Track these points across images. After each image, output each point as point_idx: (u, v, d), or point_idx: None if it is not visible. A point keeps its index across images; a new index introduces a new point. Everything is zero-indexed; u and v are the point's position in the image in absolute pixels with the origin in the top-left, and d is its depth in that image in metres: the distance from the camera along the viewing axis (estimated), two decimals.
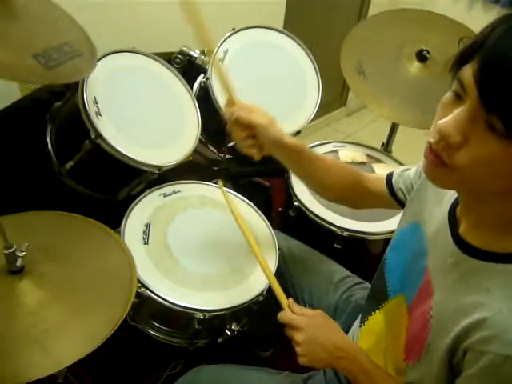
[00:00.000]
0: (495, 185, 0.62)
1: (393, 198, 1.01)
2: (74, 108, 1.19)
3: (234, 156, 1.68)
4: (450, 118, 0.60)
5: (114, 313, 0.80)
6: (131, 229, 1.15)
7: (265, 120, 1.00)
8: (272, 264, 1.18)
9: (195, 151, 1.40)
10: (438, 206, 0.82)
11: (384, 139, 1.89)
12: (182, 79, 1.40)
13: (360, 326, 1.00)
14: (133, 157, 1.17)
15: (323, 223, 1.39)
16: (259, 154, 1.04)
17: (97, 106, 1.16)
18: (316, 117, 1.58)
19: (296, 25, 2.17)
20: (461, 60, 0.60)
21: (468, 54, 0.59)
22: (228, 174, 1.64)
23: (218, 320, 1.11)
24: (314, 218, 1.41)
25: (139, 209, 1.21)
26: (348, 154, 1.66)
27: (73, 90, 1.23)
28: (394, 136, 1.86)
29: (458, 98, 0.60)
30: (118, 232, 1.12)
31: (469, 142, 0.59)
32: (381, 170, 1.62)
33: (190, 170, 1.47)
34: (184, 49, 1.49)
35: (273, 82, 1.54)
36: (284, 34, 1.58)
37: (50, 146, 1.29)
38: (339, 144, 1.72)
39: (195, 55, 1.49)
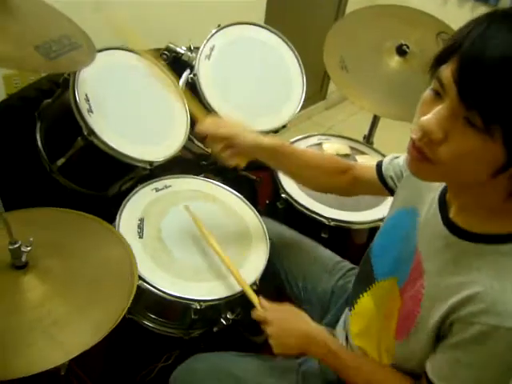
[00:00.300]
0: (476, 176, 0.65)
1: (383, 185, 1.05)
2: (64, 105, 1.20)
3: None
4: (431, 116, 0.63)
5: (117, 305, 0.83)
6: (126, 224, 1.17)
7: (234, 129, 1.05)
8: (263, 254, 1.22)
9: (183, 146, 1.42)
10: (428, 192, 0.86)
11: (363, 132, 1.95)
12: (171, 76, 1.42)
13: (350, 310, 1.04)
14: (126, 153, 1.19)
15: (311, 214, 1.43)
16: (243, 162, 1.10)
17: (88, 104, 1.17)
18: (298, 111, 1.62)
19: (276, 21, 2.20)
20: (439, 60, 0.63)
21: (446, 54, 0.62)
22: (216, 168, 1.67)
23: (213, 309, 1.14)
24: (302, 209, 1.45)
25: (132, 204, 1.23)
26: (332, 147, 1.71)
27: (62, 87, 1.24)
28: (375, 128, 1.91)
29: (438, 95, 0.64)
30: (113, 227, 1.14)
31: (450, 138, 0.62)
32: (364, 161, 1.67)
33: (178, 165, 1.49)
34: (170, 45, 1.51)
35: (258, 77, 1.57)
36: (268, 30, 1.61)
37: (39, 144, 1.29)
38: (323, 137, 1.76)
39: (182, 51, 1.51)
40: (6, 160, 1.32)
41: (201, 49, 1.47)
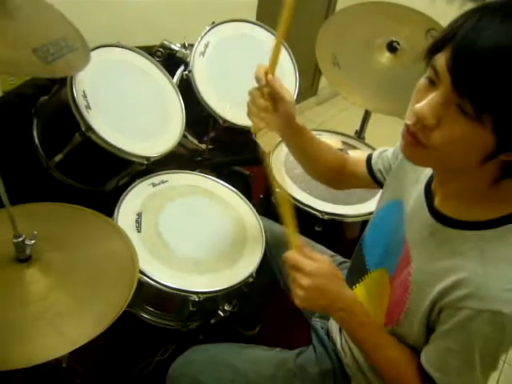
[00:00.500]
0: (466, 161, 0.68)
1: (372, 178, 1.08)
2: (61, 102, 1.21)
3: (215, 146, 1.73)
4: (425, 102, 0.66)
5: (119, 296, 0.85)
6: (124, 218, 1.19)
7: (290, 98, 1.02)
8: (259, 246, 1.24)
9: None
10: (414, 183, 0.89)
11: (354, 127, 1.98)
12: (166, 72, 1.44)
13: None
14: (123, 148, 1.20)
15: (305, 207, 1.46)
16: (264, 126, 1.03)
17: (86, 100, 1.18)
18: None
19: (267, 18, 2.22)
20: (434, 49, 0.66)
21: (441, 44, 0.64)
22: (210, 163, 1.69)
23: (211, 301, 1.16)
24: (296, 202, 1.47)
25: (130, 199, 1.25)
26: (325, 142, 1.73)
27: (59, 84, 1.25)
28: (366, 123, 1.94)
29: (432, 83, 0.66)
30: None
31: (442, 124, 0.65)
32: (357, 155, 1.70)
33: (173, 160, 1.50)
34: (165, 42, 1.52)
35: (252, 73, 1.59)
36: (261, 26, 1.63)
37: (36, 141, 1.30)
38: (316, 132, 1.79)
39: (176, 48, 1.53)
40: (3, 157, 1.33)
41: (195, 46, 1.48)
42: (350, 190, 1.24)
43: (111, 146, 1.19)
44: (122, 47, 1.35)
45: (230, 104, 1.50)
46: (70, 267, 0.87)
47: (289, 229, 0.90)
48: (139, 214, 1.22)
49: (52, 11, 0.99)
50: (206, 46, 1.50)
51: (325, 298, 0.85)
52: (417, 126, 0.67)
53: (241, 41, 1.58)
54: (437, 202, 0.80)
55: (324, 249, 1.32)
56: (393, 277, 0.88)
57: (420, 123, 0.67)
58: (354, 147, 1.78)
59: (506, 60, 0.57)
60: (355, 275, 1.03)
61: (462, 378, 0.74)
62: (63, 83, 1.20)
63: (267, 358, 1.07)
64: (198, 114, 1.49)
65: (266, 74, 1.03)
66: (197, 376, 1.02)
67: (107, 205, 1.26)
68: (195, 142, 1.66)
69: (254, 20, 1.64)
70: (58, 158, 1.26)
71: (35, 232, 0.81)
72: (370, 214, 1.46)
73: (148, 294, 1.15)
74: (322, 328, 1.13)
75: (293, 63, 1.65)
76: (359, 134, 1.96)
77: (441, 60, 0.64)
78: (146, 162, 1.28)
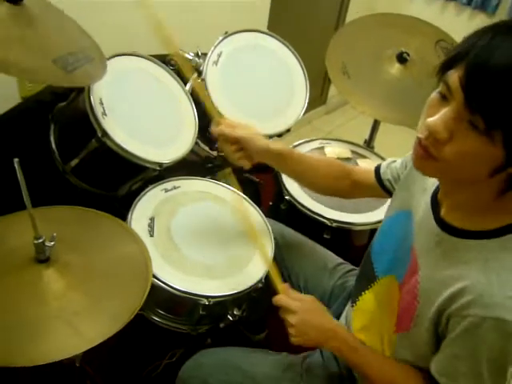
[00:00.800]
0: (475, 174, 0.71)
1: (381, 188, 1.11)
2: (78, 108, 1.24)
3: None
4: (437, 117, 0.68)
5: (133, 298, 0.87)
6: (137, 222, 1.22)
7: (248, 134, 1.10)
8: (268, 252, 1.26)
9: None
10: (422, 193, 0.91)
11: (362, 136, 2.00)
12: (180, 80, 1.47)
13: (352, 306, 1.09)
14: (137, 154, 1.23)
15: (313, 215, 1.48)
16: (249, 164, 1.14)
17: (102, 107, 1.21)
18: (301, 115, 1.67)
19: (278, 28, 2.26)
20: (447, 65, 0.69)
21: (454, 61, 0.67)
22: (221, 170, 1.72)
23: (220, 306, 1.18)
24: (305, 210, 1.50)
25: (143, 204, 1.28)
26: (334, 150, 1.76)
27: (76, 91, 1.29)
28: (375, 133, 1.96)
29: (444, 98, 0.69)
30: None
31: (454, 138, 0.68)
32: (365, 165, 1.72)
33: (185, 167, 1.53)
34: (179, 51, 1.56)
35: (264, 82, 1.62)
36: (273, 37, 1.66)
37: (53, 145, 1.34)
38: (325, 141, 1.81)
39: (190, 57, 1.56)
40: (21, 161, 1.36)
41: (208, 55, 1.52)
42: (359, 199, 1.26)
43: (126, 151, 1.22)
44: (138, 56, 1.39)
45: (242, 112, 1.53)
46: (87, 269, 0.89)
47: (273, 276, 1.05)
48: (152, 219, 1.25)
49: (70, 23, 1.03)
50: (219, 55, 1.54)
51: (314, 330, 0.95)
52: (429, 139, 0.70)
53: (253, 50, 1.61)
54: (443, 212, 0.82)
55: (333, 255, 1.34)
56: (402, 284, 0.90)
57: (432, 137, 0.69)
58: (363, 156, 1.80)
59: None
60: (364, 282, 1.05)
61: None
62: (81, 90, 1.24)
63: (275, 361, 1.09)
64: (210, 122, 1.52)
65: (217, 125, 1.13)
66: (206, 379, 1.04)
67: (120, 209, 1.29)
68: (207, 149, 1.68)
69: (265, 30, 1.68)
70: (74, 162, 1.29)
71: (54, 234, 0.84)
72: (379, 222, 1.48)
73: (159, 297, 1.17)
74: None
75: (303, 72, 1.68)
76: (368, 143, 1.98)
77: (454, 77, 0.66)
78: (158, 168, 1.31)
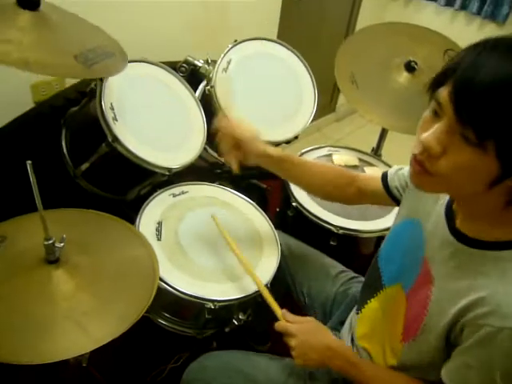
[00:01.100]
0: (472, 187, 0.71)
1: (389, 195, 1.11)
2: (90, 113, 1.27)
3: None
4: (430, 132, 0.70)
5: (140, 299, 0.89)
6: (145, 226, 1.23)
7: (248, 135, 1.11)
8: (274, 258, 1.27)
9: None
10: (433, 202, 0.91)
11: (371, 144, 2.01)
12: (189, 87, 1.49)
13: (357, 313, 1.09)
14: (147, 159, 1.25)
15: (320, 222, 1.49)
16: (237, 168, 1.15)
17: (113, 112, 1.24)
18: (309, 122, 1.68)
19: (288, 37, 2.28)
20: (437, 83, 0.71)
21: (443, 78, 0.69)
22: (229, 176, 1.74)
23: (226, 310, 1.19)
24: (312, 217, 1.50)
25: (151, 208, 1.30)
26: (341, 158, 1.77)
27: (88, 96, 1.32)
28: (383, 141, 1.97)
29: (436, 115, 0.70)
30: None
31: (447, 152, 0.69)
32: (372, 172, 1.73)
33: (193, 172, 1.55)
34: (189, 58, 1.59)
35: (272, 90, 1.64)
36: (282, 45, 1.68)
37: (64, 149, 1.36)
38: (333, 148, 1.83)
39: (199, 64, 1.59)
40: (33, 164, 1.39)
41: (218, 62, 1.54)
42: (365, 205, 1.27)
43: (135, 156, 1.24)
44: (148, 62, 1.42)
45: (251, 119, 1.54)
46: (96, 270, 0.91)
47: (272, 305, 1.07)
48: (160, 223, 1.27)
49: (87, 24, 1.06)
50: (229, 62, 1.56)
51: (314, 351, 0.97)
52: (423, 155, 0.71)
53: (262, 58, 1.64)
54: (458, 222, 0.83)
55: (336, 263, 1.35)
56: (409, 293, 0.90)
57: (426, 152, 0.70)
58: (371, 164, 1.81)
59: (503, 93, 0.62)
60: (370, 290, 1.05)
61: None
62: (92, 96, 1.27)
63: (278, 366, 1.10)
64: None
65: (221, 121, 1.14)
66: (209, 382, 1.05)
67: (128, 213, 1.31)
68: (215, 155, 1.70)
69: (275, 38, 1.70)
70: (84, 166, 1.32)
71: (64, 235, 0.86)
72: (386, 230, 1.49)
73: (166, 300, 1.18)
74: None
75: (312, 80, 1.70)
76: (376, 151, 1.99)
77: (444, 93, 0.68)
78: (167, 173, 1.33)
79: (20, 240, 0.93)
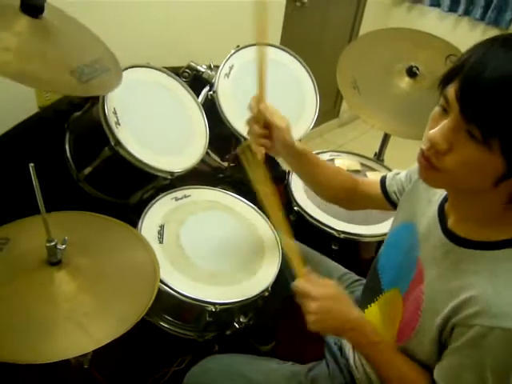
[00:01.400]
0: (478, 183, 0.72)
1: (387, 200, 1.12)
2: (93, 118, 1.28)
3: (237, 164, 1.79)
4: (437, 129, 0.71)
5: (141, 301, 0.90)
6: (147, 229, 1.24)
7: (283, 124, 1.07)
8: (276, 261, 1.28)
9: (201, 160, 1.50)
10: (427, 204, 0.92)
11: (373, 150, 2.01)
12: (192, 92, 1.51)
13: None
14: (149, 163, 1.26)
15: (322, 226, 1.50)
16: (263, 154, 1.09)
17: (116, 116, 1.25)
18: (311, 127, 1.68)
19: (291, 42, 2.30)
20: (446, 80, 0.72)
21: (451, 75, 0.70)
22: (231, 180, 1.74)
23: (227, 313, 1.20)
24: (313, 221, 1.51)
25: (153, 211, 1.31)
26: (344, 163, 1.78)
27: (91, 101, 1.33)
28: (385, 146, 1.97)
29: (444, 111, 0.72)
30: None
31: (454, 149, 0.70)
32: (373, 177, 1.73)
33: (196, 176, 1.56)
34: (192, 64, 1.60)
35: (275, 95, 1.63)
36: (284, 50, 1.69)
37: (68, 153, 1.38)
38: (336, 153, 1.83)
39: (202, 70, 1.60)
40: (36, 168, 1.41)
41: (220, 67, 1.55)
42: (368, 210, 1.27)
43: (138, 160, 1.25)
44: (151, 68, 1.43)
45: None
46: (97, 272, 0.92)
47: (294, 260, 0.98)
48: (162, 226, 1.28)
49: (88, 34, 1.07)
50: (231, 68, 1.57)
51: (334, 320, 0.90)
52: (430, 150, 0.72)
53: None
54: (450, 222, 0.83)
55: (339, 266, 1.35)
56: (405, 296, 0.91)
57: (433, 148, 0.71)
58: (373, 169, 1.82)
59: (509, 90, 0.62)
60: (370, 295, 1.06)
61: None
62: (95, 100, 1.28)
63: (280, 370, 1.10)
64: (221, 133, 1.55)
65: (258, 103, 1.08)
66: None
67: (130, 216, 1.32)
68: (217, 159, 1.71)
69: (277, 44, 1.71)
70: (88, 170, 1.33)
71: (66, 237, 0.87)
72: (387, 234, 1.49)
73: (167, 303, 1.19)
74: (335, 344, 1.15)
75: (314, 86, 1.71)
76: (378, 156, 1.99)
77: (451, 90, 0.69)
78: (169, 177, 1.34)
79: (23, 242, 0.94)
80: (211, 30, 1.98)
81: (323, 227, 1.49)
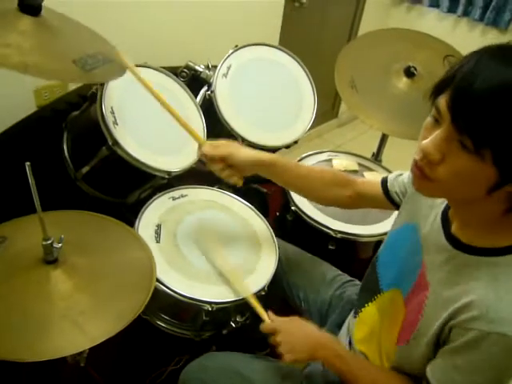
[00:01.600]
0: (472, 192, 0.73)
1: (388, 200, 1.12)
2: (91, 117, 1.29)
3: None
4: (430, 139, 0.71)
5: (137, 299, 0.90)
6: (144, 229, 1.25)
7: (231, 149, 1.12)
8: (272, 261, 1.28)
9: (199, 160, 1.50)
10: (430, 208, 0.93)
11: (372, 150, 2.02)
12: (190, 92, 1.51)
13: (354, 317, 1.10)
14: (146, 162, 1.27)
15: (319, 226, 1.50)
16: (240, 180, 1.17)
17: (113, 116, 1.25)
18: (309, 128, 1.69)
19: (290, 42, 2.30)
20: (437, 90, 0.72)
21: (443, 85, 0.70)
22: None
23: (223, 312, 1.20)
24: (310, 221, 1.51)
25: (150, 211, 1.31)
26: (341, 163, 1.78)
27: (89, 100, 1.34)
28: (383, 146, 1.98)
29: (436, 122, 0.72)
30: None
31: (446, 159, 0.70)
32: (371, 177, 1.73)
33: (193, 176, 1.56)
34: (190, 63, 1.61)
35: (272, 95, 1.66)
36: (282, 50, 1.70)
37: (66, 153, 1.38)
38: (333, 153, 1.84)
39: (200, 70, 1.60)
40: (34, 167, 1.41)
41: (218, 67, 1.56)
42: (366, 210, 1.28)
43: (135, 159, 1.25)
44: (149, 67, 1.43)
45: (250, 124, 1.56)
46: (93, 271, 0.92)
47: (257, 308, 1.09)
48: (159, 226, 1.28)
49: (88, 30, 1.08)
50: (229, 68, 1.58)
51: (301, 342, 0.98)
52: (423, 161, 0.73)
53: (262, 64, 1.65)
54: (454, 228, 0.84)
55: (332, 267, 1.37)
56: (407, 298, 0.91)
57: (426, 158, 0.72)
58: (370, 169, 1.82)
59: (500, 100, 0.63)
60: (368, 294, 1.06)
61: None
62: (93, 100, 1.29)
63: (275, 368, 1.10)
64: (218, 133, 1.56)
65: (200, 148, 1.16)
66: (207, 382, 1.06)
67: (127, 215, 1.32)
68: None
69: (275, 44, 1.71)
70: (85, 170, 1.33)
71: (62, 236, 0.88)
72: (384, 234, 1.49)
73: (164, 302, 1.19)
74: None
75: (312, 86, 1.71)
76: (376, 157, 2.00)
77: (442, 101, 0.69)
78: (167, 177, 1.35)
79: (19, 240, 0.94)
80: (209, 29, 1.99)
81: (320, 227, 1.50)
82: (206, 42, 1.96)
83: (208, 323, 1.22)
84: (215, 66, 1.58)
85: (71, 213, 1.06)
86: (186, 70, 1.60)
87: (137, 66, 1.40)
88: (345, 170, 1.75)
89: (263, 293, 1.22)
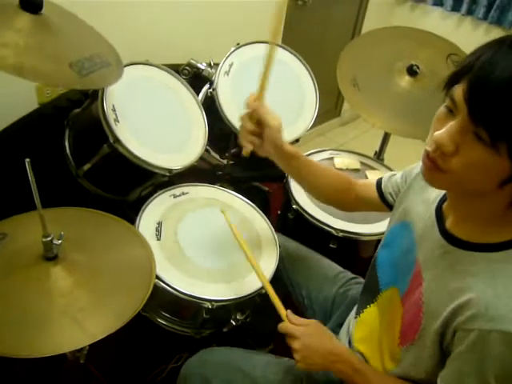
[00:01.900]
0: (483, 185, 0.71)
1: (383, 202, 1.11)
2: (92, 115, 1.29)
3: (236, 162, 1.79)
4: (444, 130, 0.70)
5: (137, 296, 0.90)
6: (145, 226, 1.25)
7: (276, 124, 1.08)
8: (273, 259, 1.28)
9: (200, 157, 1.50)
10: (423, 205, 0.92)
11: (374, 149, 2.01)
12: (191, 89, 1.51)
13: (355, 317, 1.09)
14: (147, 160, 1.27)
15: (320, 225, 1.49)
16: (249, 151, 1.10)
17: (115, 113, 1.25)
18: (311, 126, 1.69)
19: (293, 40, 2.30)
20: (452, 80, 0.70)
21: (459, 75, 0.69)
22: (230, 178, 1.75)
23: (224, 310, 1.20)
24: (312, 219, 1.51)
25: (151, 208, 1.31)
26: (343, 161, 1.78)
27: (91, 98, 1.34)
28: (386, 145, 1.97)
29: (451, 112, 0.70)
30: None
31: (460, 150, 0.69)
32: (374, 177, 1.72)
33: (194, 174, 1.56)
34: (192, 61, 1.61)
35: (275, 93, 1.64)
36: (285, 49, 1.69)
37: (67, 150, 1.38)
38: (335, 152, 1.83)
39: (202, 67, 1.60)
40: (36, 164, 1.41)
41: (220, 65, 1.55)
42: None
43: (136, 157, 1.25)
44: (151, 65, 1.43)
45: None
46: (93, 268, 0.92)
47: (276, 304, 1.05)
48: (159, 223, 1.28)
49: (88, 29, 1.07)
50: (231, 65, 1.57)
51: (317, 354, 0.95)
52: (436, 152, 0.71)
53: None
54: (448, 223, 0.83)
55: (334, 264, 1.36)
56: (404, 297, 0.90)
57: (439, 150, 0.70)
58: (373, 168, 1.81)
59: None
60: (369, 295, 1.06)
61: None
62: (95, 97, 1.28)
63: (276, 364, 1.10)
64: (220, 131, 1.56)
65: (255, 100, 1.10)
66: (207, 376, 1.06)
67: (128, 213, 1.32)
68: (217, 156, 1.71)
69: (279, 42, 1.71)
70: (87, 167, 1.33)
71: (62, 233, 0.88)
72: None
73: (165, 299, 1.20)
74: None
75: (314, 84, 1.71)
76: (378, 155, 1.99)
77: (458, 90, 0.68)
78: (168, 174, 1.35)
79: (20, 237, 0.94)
80: (211, 27, 1.98)
81: (322, 225, 1.49)
82: (208, 39, 1.96)
83: (208, 321, 1.22)
84: (217, 64, 1.58)
85: (71, 210, 1.05)
86: (187, 68, 1.61)
87: (138, 63, 1.40)
88: (347, 169, 1.74)
89: (264, 291, 1.22)
